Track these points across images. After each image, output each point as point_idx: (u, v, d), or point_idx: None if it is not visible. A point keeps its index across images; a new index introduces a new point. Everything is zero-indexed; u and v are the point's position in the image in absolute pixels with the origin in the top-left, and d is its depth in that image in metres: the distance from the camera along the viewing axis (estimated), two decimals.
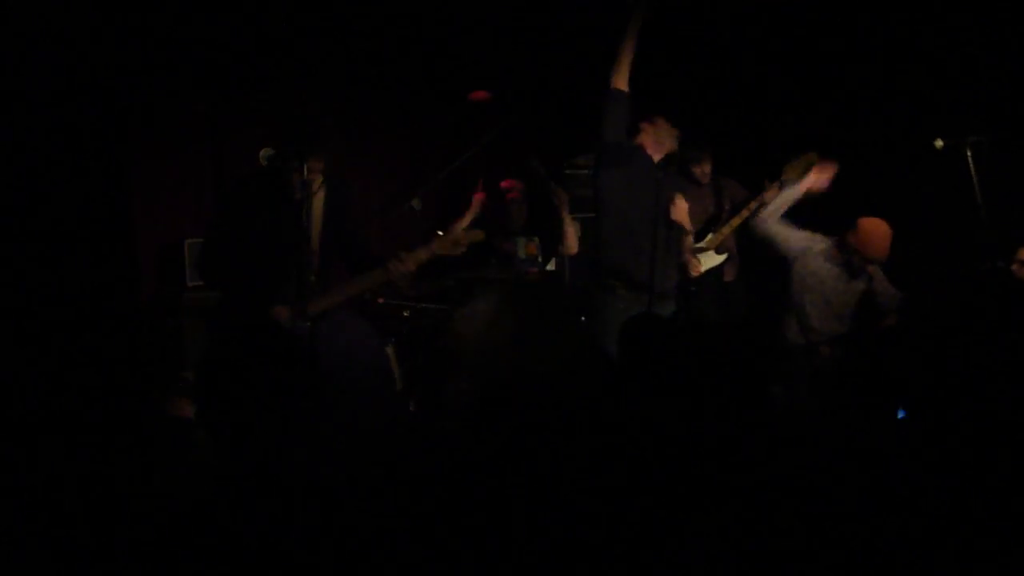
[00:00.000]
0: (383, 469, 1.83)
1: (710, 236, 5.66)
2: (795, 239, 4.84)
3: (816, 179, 4.83)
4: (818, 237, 4.84)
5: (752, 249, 5.48)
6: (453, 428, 2.07)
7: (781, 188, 4.96)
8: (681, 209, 4.36)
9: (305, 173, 3.34)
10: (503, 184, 5.63)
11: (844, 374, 2.22)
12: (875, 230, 4.66)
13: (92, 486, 1.75)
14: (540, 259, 5.74)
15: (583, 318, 4.47)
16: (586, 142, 6.66)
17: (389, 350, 4.87)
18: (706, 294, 5.71)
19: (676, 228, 4.43)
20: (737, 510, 1.66)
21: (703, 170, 5.85)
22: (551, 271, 5.91)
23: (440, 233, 4.01)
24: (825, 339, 4.78)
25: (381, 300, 5.19)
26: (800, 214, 4.92)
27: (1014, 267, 4.42)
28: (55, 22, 5.02)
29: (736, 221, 5.31)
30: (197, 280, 5.30)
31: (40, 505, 1.68)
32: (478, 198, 5.41)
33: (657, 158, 4.39)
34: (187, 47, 5.53)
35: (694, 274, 4.68)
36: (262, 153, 4.59)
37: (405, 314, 5.23)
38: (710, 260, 5.62)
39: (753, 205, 5.14)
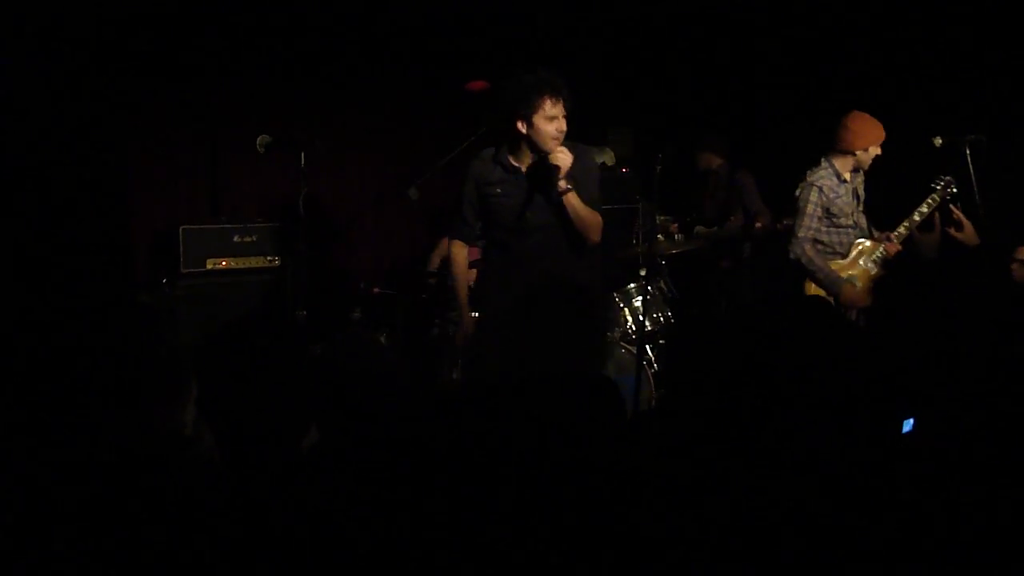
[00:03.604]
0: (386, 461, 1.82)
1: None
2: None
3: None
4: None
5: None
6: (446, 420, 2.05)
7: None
8: (562, 158, 3.77)
9: None
10: None
11: None
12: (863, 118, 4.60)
13: (84, 480, 1.73)
14: None
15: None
16: (582, 132, 6.69)
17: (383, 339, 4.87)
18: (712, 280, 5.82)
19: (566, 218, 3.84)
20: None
21: (706, 162, 6.09)
22: None
23: None
24: None
25: (377, 290, 5.17)
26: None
27: (1013, 267, 4.41)
28: (51, 11, 4.98)
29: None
30: (191, 267, 5.29)
31: (30, 501, 1.66)
32: None
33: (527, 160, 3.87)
34: (183, 33, 5.50)
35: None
36: (259, 140, 4.58)
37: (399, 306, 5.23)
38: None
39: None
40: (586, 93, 6.44)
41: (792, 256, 4.62)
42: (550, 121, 3.76)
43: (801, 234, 4.61)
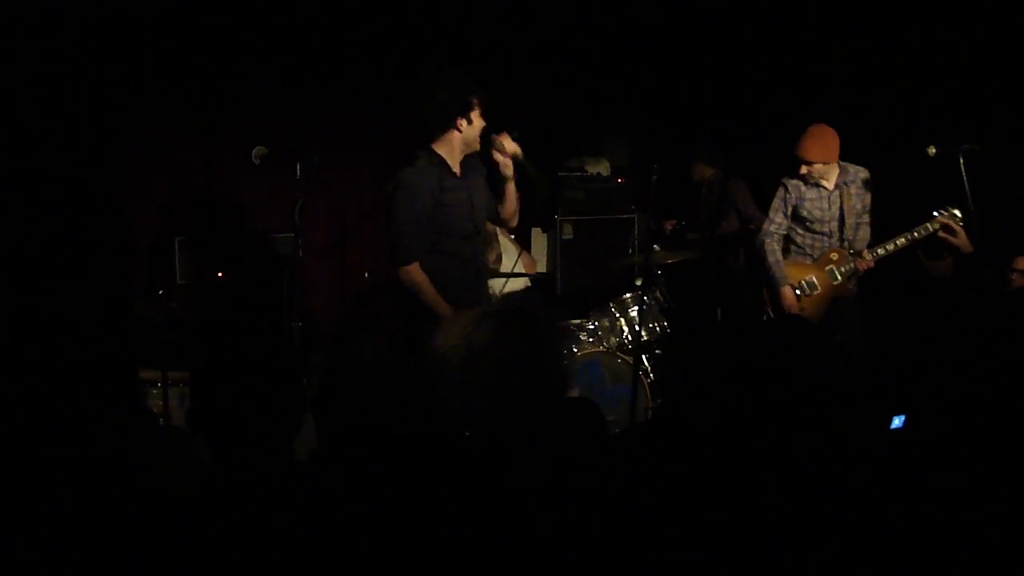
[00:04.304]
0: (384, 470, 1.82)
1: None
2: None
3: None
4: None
5: None
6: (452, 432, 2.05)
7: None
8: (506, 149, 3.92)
9: None
10: None
11: None
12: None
13: (79, 490, 1.73)
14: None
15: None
16: (579, 144, 6.71)
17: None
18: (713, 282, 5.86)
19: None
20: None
21: (700, 172, 6.13)
22: (541, 273, 5.92)
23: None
24: None
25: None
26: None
27: (1012, 276, 4.41)
28: (47, 18, 4.99)
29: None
30: (187, 278, 5.29)
31: (25, 510, 1.66)
32: None
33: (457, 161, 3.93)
34: (180, 44, 5.50)
35: None
36: (255, 151, 4.59)
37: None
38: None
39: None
40: (582, 102, 6.47)
41: (756, 245, 4.93)
42: (480, 117, 3.90)
43: (764, 226, 4.91)
